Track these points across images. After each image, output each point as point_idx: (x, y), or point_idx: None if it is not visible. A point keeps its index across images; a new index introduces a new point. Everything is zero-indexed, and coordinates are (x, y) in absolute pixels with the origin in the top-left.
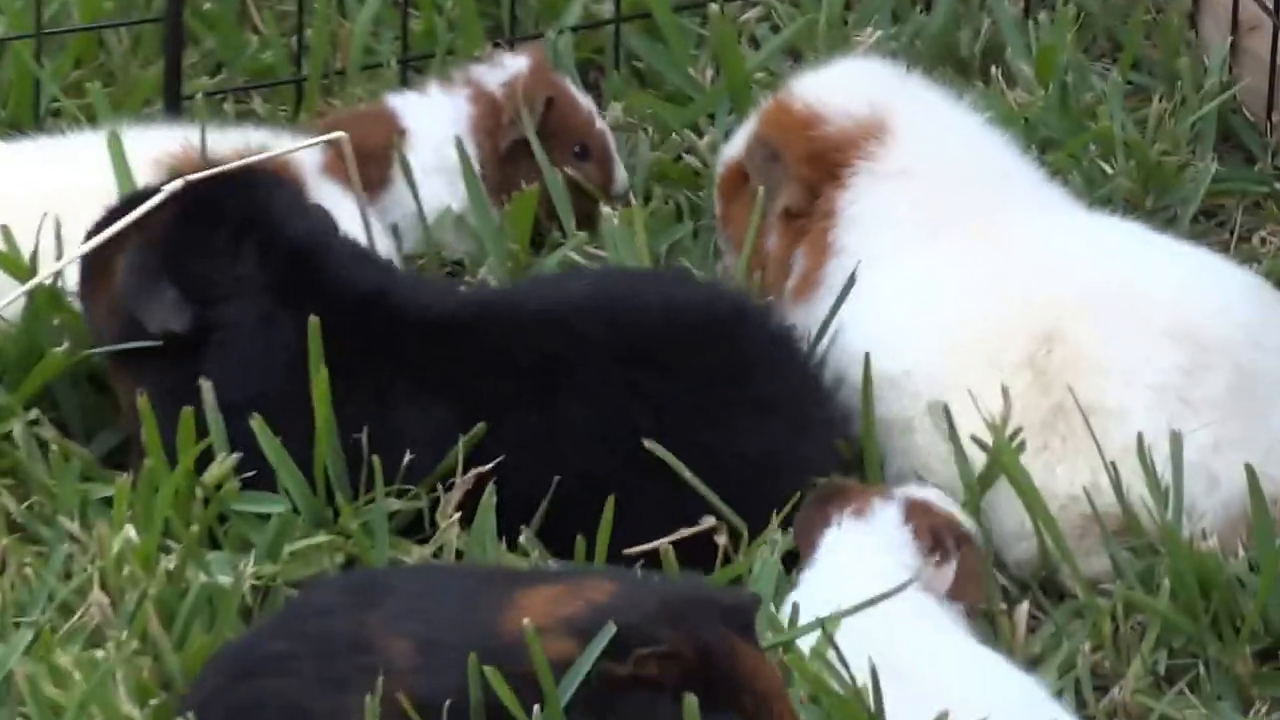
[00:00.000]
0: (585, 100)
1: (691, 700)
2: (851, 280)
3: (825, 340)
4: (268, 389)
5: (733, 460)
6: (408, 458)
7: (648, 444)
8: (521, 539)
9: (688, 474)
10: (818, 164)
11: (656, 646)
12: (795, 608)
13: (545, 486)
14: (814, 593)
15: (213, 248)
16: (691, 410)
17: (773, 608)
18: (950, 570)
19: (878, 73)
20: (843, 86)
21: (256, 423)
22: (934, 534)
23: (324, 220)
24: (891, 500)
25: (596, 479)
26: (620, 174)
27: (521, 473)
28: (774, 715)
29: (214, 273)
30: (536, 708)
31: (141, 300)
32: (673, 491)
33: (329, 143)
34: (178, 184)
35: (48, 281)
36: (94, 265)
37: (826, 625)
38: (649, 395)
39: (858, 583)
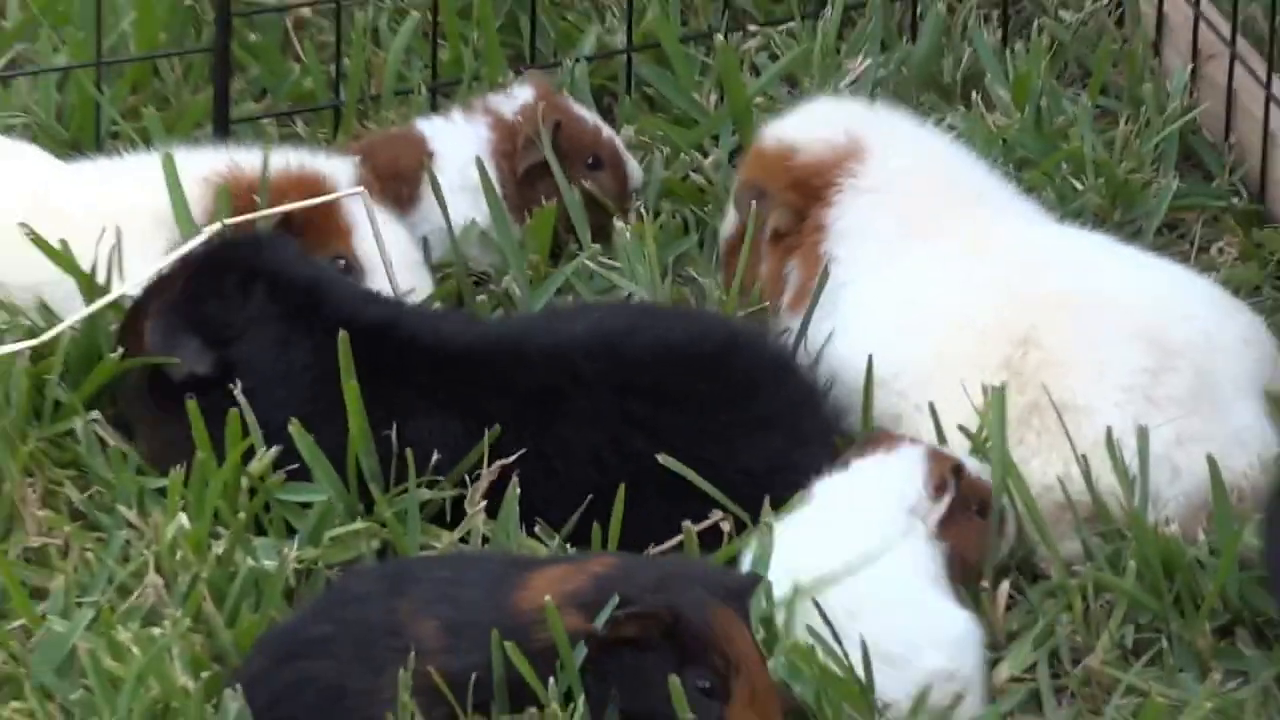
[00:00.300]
0: (590, 115)
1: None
2: (824, 280)
3: (821, 344)
4: (285, 410)
5: (737, 473)
6: (414, 459)
7: (661, 458)
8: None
9: (700, 480)
10: (801, 188)
11: (644, 610)
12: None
13: (562, 494)
14: (801, 521)
15: (225, 298)
16: (696, 431)
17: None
18: (940, 513)
19: (846, 106)
20: (813, 121)
21: (294, 427)
22: (941, 481)
23: (324, 266)
24: (918, 448)
25: (617, 487)
26: (635, 170)
27: (539, 479)
28: (745, 676)
29: (228, 319)
30: (552, 679)
31: (168, 354)
32: (674, 503)
33: (361, 164)
34: (214, 228)
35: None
36: (129, 336)
37: (799, 596)
38: (661, 419)
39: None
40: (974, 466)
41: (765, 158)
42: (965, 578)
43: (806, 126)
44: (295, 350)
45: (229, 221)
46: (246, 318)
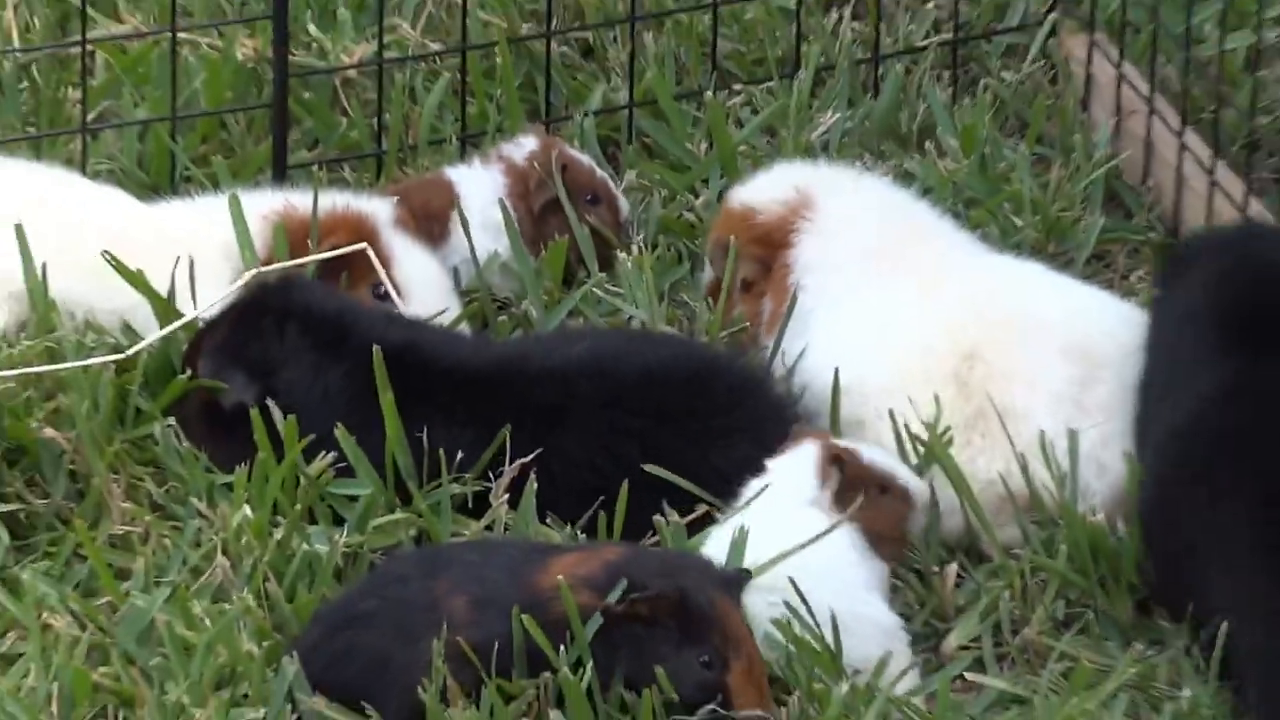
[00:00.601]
0: (586, 159)
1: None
2: (793, 306)
3: (795, 360)
4: (325, 424)
5: (711, 474)
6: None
7: (646, 467)
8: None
9: (681, 480)
10: (763, 242)
11: (646, 592)
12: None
13: (562, 493)
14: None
15: (264, 337)
16: (676, 439)
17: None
18: (827, 499)
19: (797, 169)
20: (769, 185)
21: (340, 432)
22: (838, 473)
23: (348, 299)
24: (814, 444)
25: (610, 487)
26: (623, 203)
27: (542, 480)
28: (740, 653)
29: (267, 354)
30: (562, 648)
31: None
32: (659, 500)
33: (398, 205)
34: (251, 274)
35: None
36: (189, 371)
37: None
38: (647, 429)
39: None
40: (867, 454)
41: (732, 219)
42: (887, 551)
43: (763, 190)
44: (329, 375)
45: (263, 270)
46: (284, 352)
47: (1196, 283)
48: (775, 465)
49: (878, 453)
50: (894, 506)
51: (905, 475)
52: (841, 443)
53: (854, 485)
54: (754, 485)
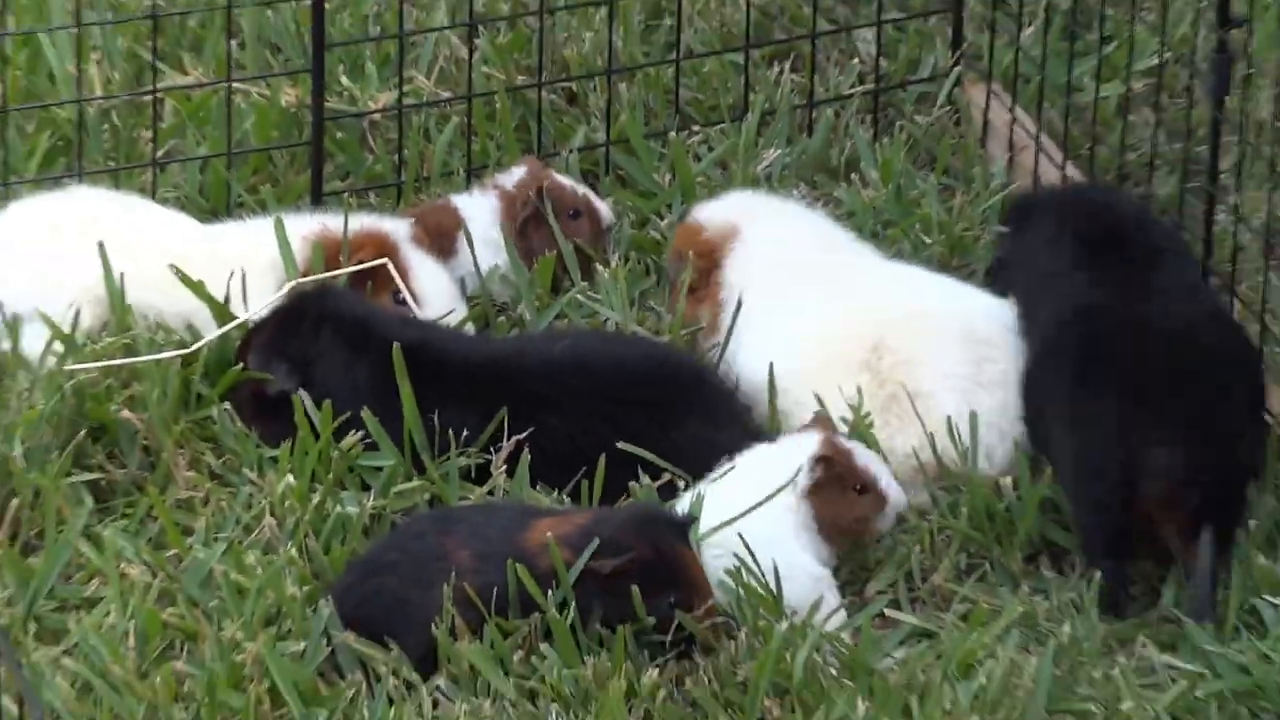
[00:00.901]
0: (568, 180)
1: (636, 590)
2: (736, 314)
3: (730, 358)
4: (350, 409)
5: (671, 449)
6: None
7: (621, 445)
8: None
9: (649, 455)
10: (704, 255)
11: (629, 554)
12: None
13: (548, 467)
14: (721, 482)
15: (302, 337)
16: (643, 421)
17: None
18: (804, 487)
19: (741, 196)
20: (716, 208)
21: (366, 414)
22: (822, 470)
23: (371, 305)
24: (816, 437)
25: (589, 461)
26: (606, 213)
27: (532, 455)
28: (700, 597)
29: (305, 351)
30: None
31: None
32: (630, 471)
33: (414, 226)
34: (291, 284)
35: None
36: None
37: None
38: (611, 412)
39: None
40: (862, 457)
41: (686, 233)
42: (835, 537)
43: (710, 212)
44: (356, 368)
45: (301, 281)
46: (318, 349)
47: (1048, 222)
48: (780, 443)
49: (872, 458)
50: (867, 504)
51: (887, 481)
52: (845, 442)
53: (836, 481)
54: (758, 454)
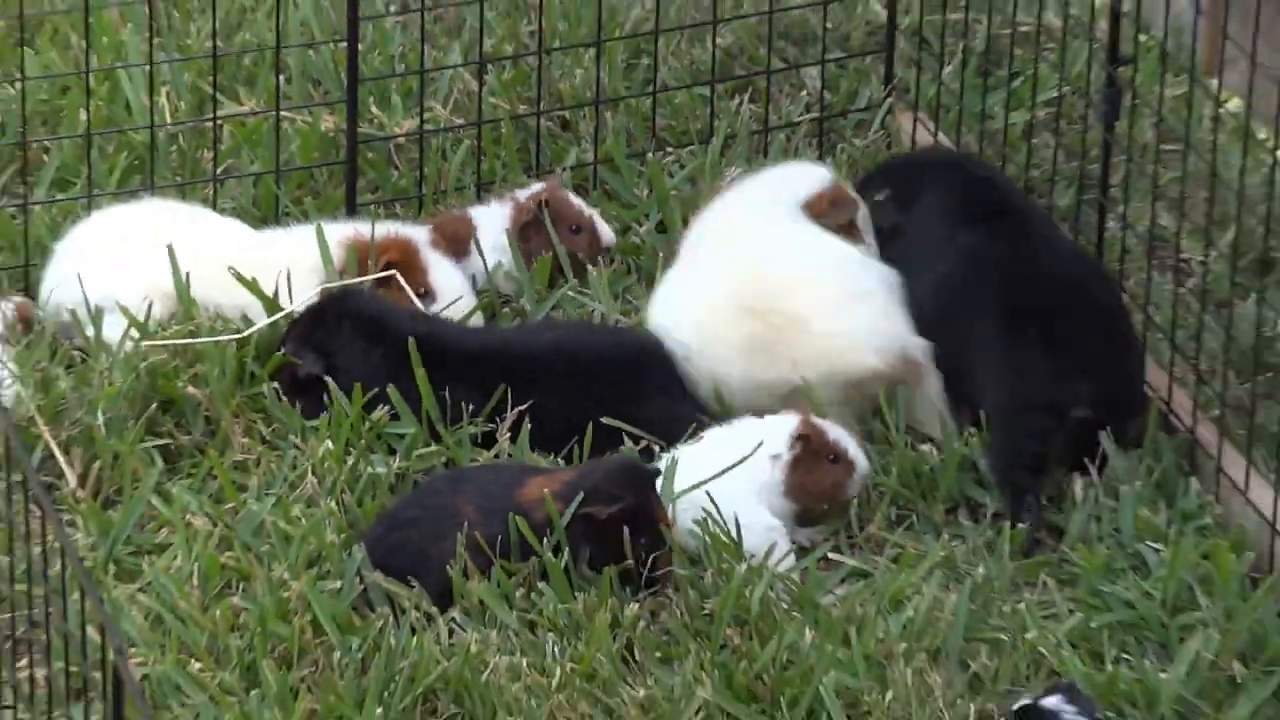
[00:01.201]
0: (576, 200)
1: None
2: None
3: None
4: (366, 389)
5: (643, 421)
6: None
7: (604, 420)
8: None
9: (625, 426)
10: None
11: (622, 501)
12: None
13: (541, 436)
14: (700, 448)
15: (328, 329)
16: (618, 398)
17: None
18: (786, 461)
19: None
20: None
21: (391, 390)
22: (801, 446)
23: (387, 303)
24: (797, 420)
25: (576, 431)
26: (607, 234)
27: (542, 421)
28: (664, 540)
29: (330, 342)
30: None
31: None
32: (609, 439)
33: (433, 232)
34: (320, 286)
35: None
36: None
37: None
38: (591, 390)
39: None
40: (833, 432)
41: None
42: (810, 503)
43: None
44: (371, 356)
45: (328, 286)
46: (340, 340)
47: (936, 185)
48: (765, 421)
49: (842, 433)
50: (837, 471)
51: (855, 452)
52: (817, 421)
53: (813, 454)
54: (744, 428)
